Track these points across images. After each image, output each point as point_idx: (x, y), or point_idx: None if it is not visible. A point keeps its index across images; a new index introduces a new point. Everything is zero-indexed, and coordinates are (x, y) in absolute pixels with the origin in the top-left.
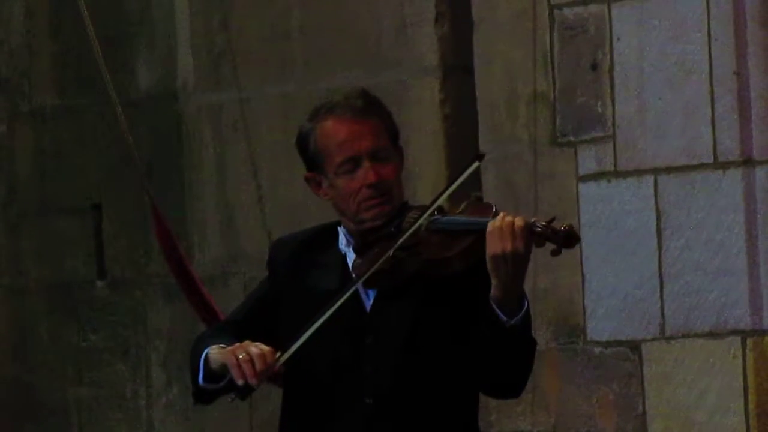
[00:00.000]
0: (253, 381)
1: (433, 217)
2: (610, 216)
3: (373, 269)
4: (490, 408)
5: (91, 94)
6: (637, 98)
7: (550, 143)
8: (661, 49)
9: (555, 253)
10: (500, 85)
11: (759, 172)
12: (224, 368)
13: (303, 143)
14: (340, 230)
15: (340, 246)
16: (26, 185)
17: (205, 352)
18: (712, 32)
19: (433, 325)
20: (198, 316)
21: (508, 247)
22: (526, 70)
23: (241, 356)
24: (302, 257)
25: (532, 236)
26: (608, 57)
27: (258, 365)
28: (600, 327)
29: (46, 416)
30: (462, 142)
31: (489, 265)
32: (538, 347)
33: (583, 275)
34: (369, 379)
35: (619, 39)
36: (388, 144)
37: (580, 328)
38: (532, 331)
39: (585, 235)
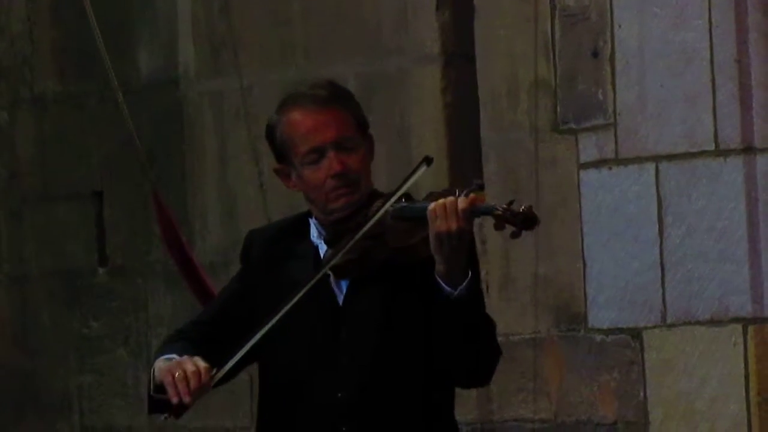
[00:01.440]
0: (186, 399)
1: (398, 205)
2: (611, 203)
3: (334, 261)
4: (492, 396)
5: (92, 81)
6: (638, 85)
7: (552, 130)
8: (663, 37)
9: (515, 235)
10: (501, 72)
11: (760, 159)
12: (159, 381)
13: (270, 135)
14: (311, 221)
15: (312, 237)
16: (28, 172)
17: (154, 365)
18: (713, 19)
19: (406, 314)
20: (199, 303)
21: (452, 225)
22: (527, 57)
23: (176, 374)
24: (276, 249)
25: (473, 216)
26: (609, 44)
27: (192, 383)
28: (601, 314)
29: (48, 403)
30: (463, 130)
31: (432, 243)
32: (539, 335)
33: (584, 263)
34: (344, 373)
35: (620, 26)
36: (354, 134)
37: (581, 315)
38: (484, 309)
39: (586, 222)
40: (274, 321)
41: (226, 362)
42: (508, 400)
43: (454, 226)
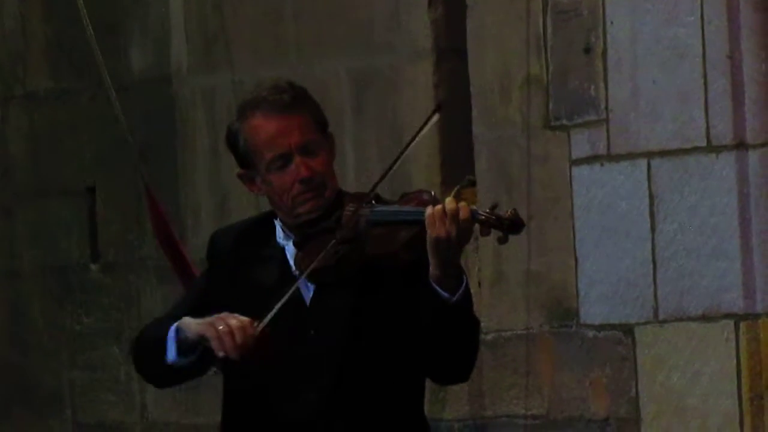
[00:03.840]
0: (233, 353)
1: (373, 208)
2: (603, 200)
3: (314, 264)
4: (483, 391)
5: (84, 77)
6: (630, 82)
7: (544, 127)
8: (655, 33)
9: (501, 240)
10: (493, 68)
11: (752, 155)
12: (200, 341)
13: (232, 141)
14: (277, 223)
15: (278, 239)
16: (20, 168)
17: (173, 327)
18: (705, 16)
19: (374, 313)
20: None
21: (451, 231)
22: (519, 53)
23: (220, 328)
24: (242, 250)
25: (473, 224)
26: (601, 40)
27: (238, 338)
28: (593, 310)
29: (40, 399)
30: (455, 126)
31: (429, 248)
32: (531, 331)
33: (576, 259)
34: (314, 373)
35: (612, 22)
36: (317, 136)
37: (573, 311)
38: (471, 311)
39: (578, 218)
40: (289, 294)
41: (265, 318)
42: (500, 396)
43: (454, 232)
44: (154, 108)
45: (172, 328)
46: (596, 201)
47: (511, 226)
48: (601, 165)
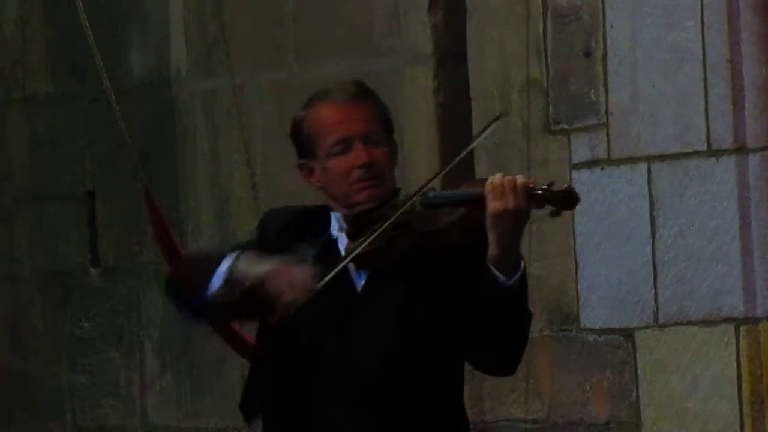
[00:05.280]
0: (287, 314)
1: (426, 195)
2: (604, 204)
3: (372, 238)
4: (484, 396)
5: (84, 81)
6: (630, 86)
7: (544, 131)
8: (655, 37)
9: (554, 213)
10: (493, 72)
11: (752, 159)
12: (259, 284)
13: (296, 129)
14: (333, 214)
15: (331, 230)
16: (20, 173)
17: (227, 262)
18: (705, 20)
19: (425, 306)
20: None
21: (509, 203)
22: (519, 57)
23: (284, 277)
24: (293, 234)
25: (531, 198)
26: (601, 44)
27: (298, 288)
28: (593, 315)
29: (40, 403)
30: (455, 130)
31: (488, 222)
32: (531, 335)
33: (576, 263)
34: (359, 360)
35: (612, 26)
36: (381, 130)
37: (573, 315)
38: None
39: (578, 222)
40: (355, 253)
41: (326, 275)
42: (500, 400)
43: (511, 203)
44: (154, 112)
45: (225, 264)
46: (596, 205)
47: (566, 200)
48: (602, 169)
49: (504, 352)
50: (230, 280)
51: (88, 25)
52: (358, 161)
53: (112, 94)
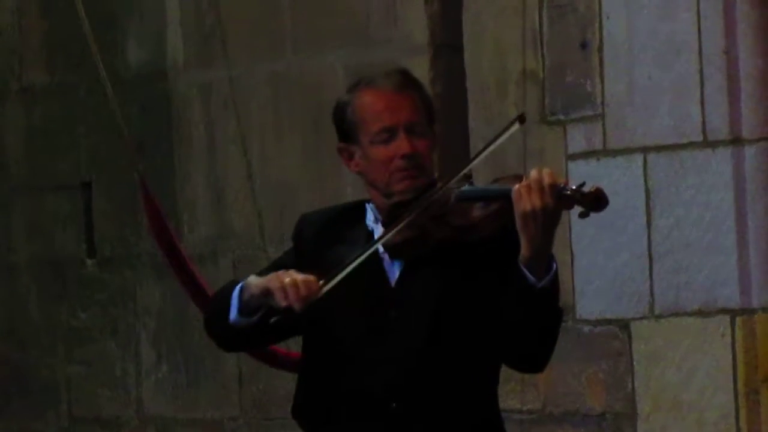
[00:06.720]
0: (297, 305)
1: (461, 188)
2: None
3: (399, 235)
4: None
5: (81, 72)
6: (626, 77)
7: (540, 121)
8: (651, 28)
9: (583, 215)
10: (490, 63)
11: (748, 150)
12: (264, 294)
13: (339, 113)
14: (368, 207)
15: (367, 222)
16: (16, 163)
17: (239, 285)
18: (701, 11)
19: (461, 297)
20: (187, 294)
21: (537, 203)
22: (515, 48)
23: (286, 280)
24: (328, 233)
25: (560, 198)
26: (597, 35)
27: (302, 290)
28: (589, 305)
29: (36, 394)
30: (452, 121)
31: (518, 223)
32: None
33: (572, 254)
34: (394, 353)
35: (608, 17)
36: (425, 121)
37: (569, 306)
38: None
39: (574, 213)
40: (367, 254)
41: (333, 278)
42: None
43: (539, 203)
44: (151, 103)
45: (237, 287)
46: None
47: (595, 202)
48: (597, 160)
49: (533, 351)
50: (243, 300)
51: (84, 15)
52: (401, 151)
53: (109, 84)
